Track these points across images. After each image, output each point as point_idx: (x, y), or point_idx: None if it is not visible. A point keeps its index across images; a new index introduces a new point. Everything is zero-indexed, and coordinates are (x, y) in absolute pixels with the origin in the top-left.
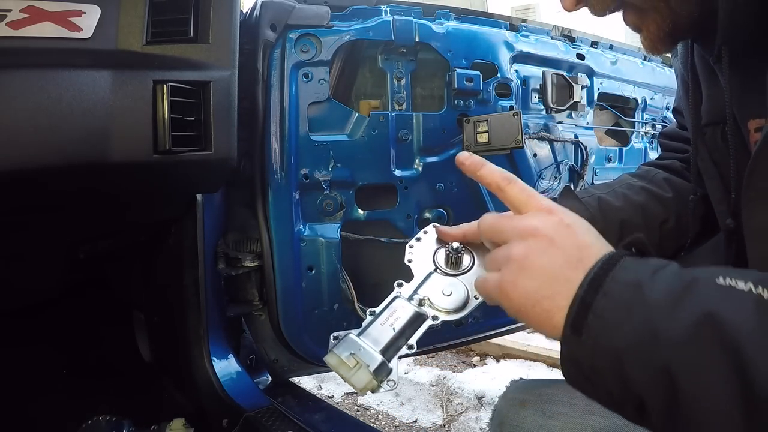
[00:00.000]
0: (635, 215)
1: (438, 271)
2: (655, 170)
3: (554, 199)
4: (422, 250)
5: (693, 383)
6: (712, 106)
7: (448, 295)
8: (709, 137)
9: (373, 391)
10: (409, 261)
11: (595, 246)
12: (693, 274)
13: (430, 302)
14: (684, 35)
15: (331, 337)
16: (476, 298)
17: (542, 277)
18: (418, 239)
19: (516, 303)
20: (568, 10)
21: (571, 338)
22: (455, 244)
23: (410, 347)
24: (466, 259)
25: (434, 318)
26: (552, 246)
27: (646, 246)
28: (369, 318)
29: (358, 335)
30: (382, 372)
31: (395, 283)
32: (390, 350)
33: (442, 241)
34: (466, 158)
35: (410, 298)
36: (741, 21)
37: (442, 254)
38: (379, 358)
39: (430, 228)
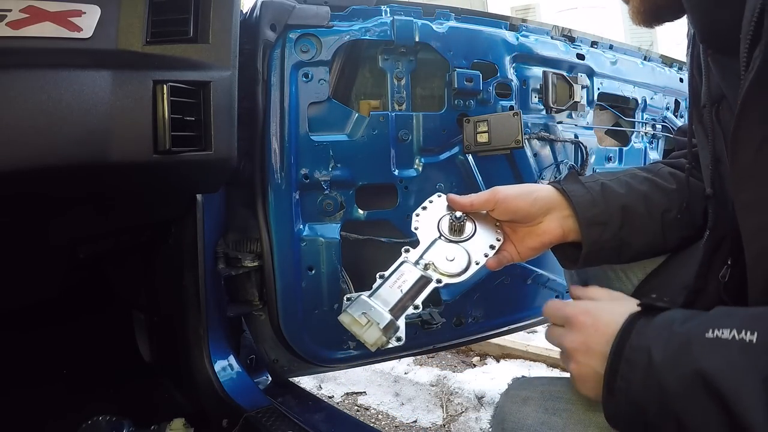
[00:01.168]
0: (637, 202)
1: (442, 237)
2: (660, 165)
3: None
4: (428, 218)
5: (694, 425)
6: (708, 89)
7: (451, 260)
8: (705, 117)
9: (381, 347)
10: (416, 228)
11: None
12: (688, 332)
13: (435, 266)
14: (665, 15)
15: (345, 299)
16: (476, 264)
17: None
18: (424, 208)
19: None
20: None
21: (608, 398)
22: (458, 213)
23: (416, 307)
24: (468, 227)
25: (438, 281)
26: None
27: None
28: (378, 281)
29: (369, 296)
30: (390, 329)
31: (402, 249)
32: (397, 309)
33: (446, 210)
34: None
35: (416, 263)
36: (703, 18)
37: (446, 222)
38: (388, 317)
39: (435, 197)
